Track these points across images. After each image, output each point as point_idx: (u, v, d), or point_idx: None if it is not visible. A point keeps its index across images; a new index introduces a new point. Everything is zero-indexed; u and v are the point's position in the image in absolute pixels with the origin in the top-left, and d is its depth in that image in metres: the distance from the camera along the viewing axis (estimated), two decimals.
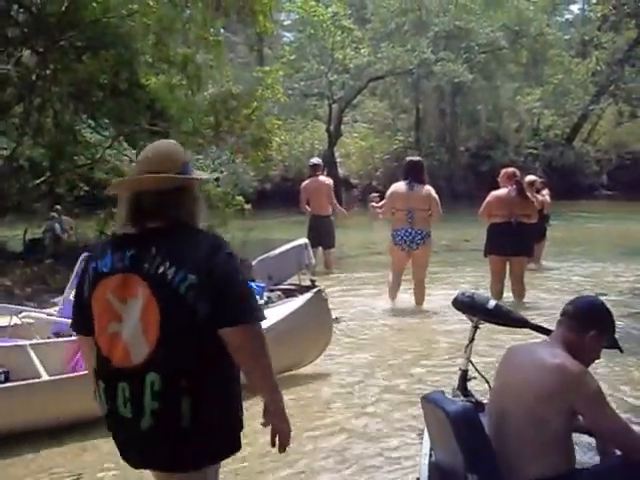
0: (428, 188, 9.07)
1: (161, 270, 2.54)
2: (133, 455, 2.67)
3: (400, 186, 9.19)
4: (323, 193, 11.86)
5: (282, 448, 2.68)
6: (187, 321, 2.51)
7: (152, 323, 2.51)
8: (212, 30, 12.18)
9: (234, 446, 2.70)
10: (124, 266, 2.60)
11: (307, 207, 11.96)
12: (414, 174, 9.11)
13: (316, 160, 12.85)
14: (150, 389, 2.49)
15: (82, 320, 2.75)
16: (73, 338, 6.01)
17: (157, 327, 2.51)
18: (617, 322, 3.44)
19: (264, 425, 2.67)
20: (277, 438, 2.66)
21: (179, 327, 2.51)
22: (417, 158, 9.68)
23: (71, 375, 5.36)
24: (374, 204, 9.47)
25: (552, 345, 3.23)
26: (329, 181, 12.16)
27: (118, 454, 2.73)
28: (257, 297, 3.00)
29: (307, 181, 12.07)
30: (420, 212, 8.99)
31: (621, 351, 3.42)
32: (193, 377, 2.53)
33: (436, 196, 9.06)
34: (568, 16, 54.23)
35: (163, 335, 2.50)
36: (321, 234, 11.50)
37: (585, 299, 3.45)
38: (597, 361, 3.34)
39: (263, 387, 2.65)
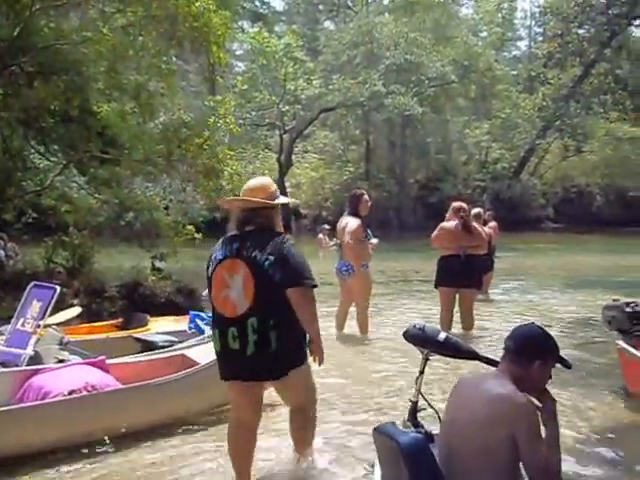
0: (348, 220, 9.06)
1: (253, 255, 4.17)
2: (242, 373, 4.23)
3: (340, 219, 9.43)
4: None
5: (319, 364, 4.34)
6: (269, 284, 4.11)
7: (249, 288, 4.13)
8: (165, 59, 12.08)
9: (304, 356, 4.35)
10: (232, 254, 4.25)
11: None
12: (349, 207, 9.27)
13: None
14: (251, 328, 4.10)
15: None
16: (20, 368, 5.92)
17: (253, 290, 4.11)
18: (562, 353, 3.47)
19: (310, 352, 4.30)
20: (317, 359, 4.32)
21: (265, 288, 4.11)
22: (355, 191, 9.62)
23: (19, 406, 5.24)
24: (320, 236, 9.51)
25: (499, 377, 3.27)
26: None
27: None
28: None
29: None
30: (344, 244, 9.04)
31: (569, 367, 3.45)
32: (276, 318, 4.12)
33: (353, 225, 8.89)
34: (515, 52, 55.92)
35: (257, 294, 4.10)
36: None
37: (522, 331, 3.40)
38: None
39: (310, 329, 4.26)
